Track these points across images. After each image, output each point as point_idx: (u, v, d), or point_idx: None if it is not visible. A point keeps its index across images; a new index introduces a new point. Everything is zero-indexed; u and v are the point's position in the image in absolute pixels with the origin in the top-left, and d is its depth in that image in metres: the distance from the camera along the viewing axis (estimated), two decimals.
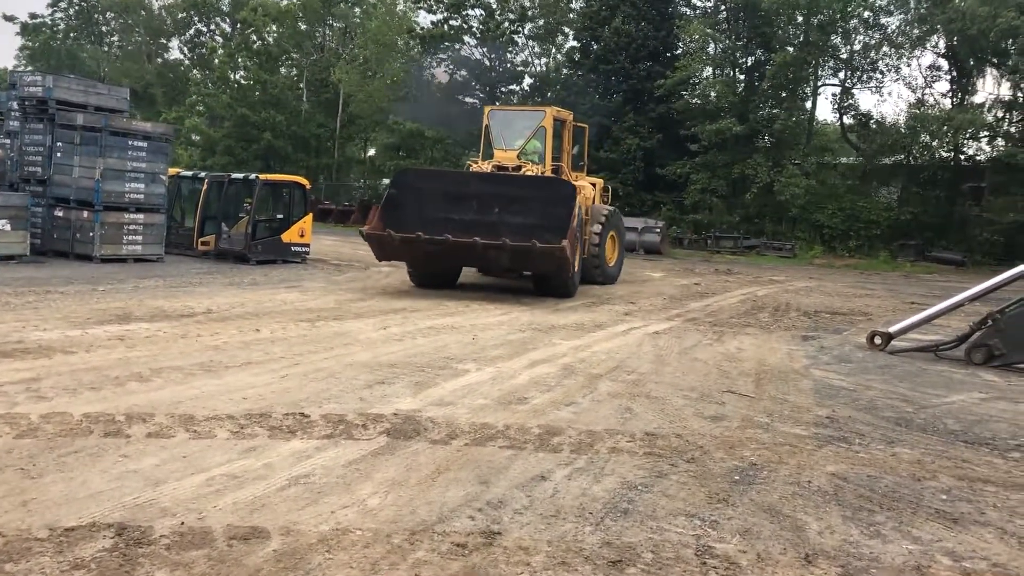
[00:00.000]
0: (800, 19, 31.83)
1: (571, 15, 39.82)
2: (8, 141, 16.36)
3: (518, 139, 15.69)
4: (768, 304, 14.90)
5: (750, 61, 34.00)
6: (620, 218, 18.14)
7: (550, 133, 15.52)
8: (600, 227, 15.97)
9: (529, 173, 14.67)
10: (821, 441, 5.76)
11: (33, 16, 57.47)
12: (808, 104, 34.27)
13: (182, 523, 3.69)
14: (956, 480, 5.08)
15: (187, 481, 4.21)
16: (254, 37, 47.53)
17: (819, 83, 33.89)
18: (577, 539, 3.82)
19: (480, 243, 12.17)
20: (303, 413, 5.57)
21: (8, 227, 13.95)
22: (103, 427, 5.00)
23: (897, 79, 33.69)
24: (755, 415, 6.41)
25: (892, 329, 10.28)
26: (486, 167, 15.32)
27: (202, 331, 8.62)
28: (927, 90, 32.85)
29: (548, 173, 15.08)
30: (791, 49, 31.89)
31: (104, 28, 59.94)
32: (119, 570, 3.22)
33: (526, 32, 41.21)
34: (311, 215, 19.12)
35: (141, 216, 15.72)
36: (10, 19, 57.68)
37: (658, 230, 29.16)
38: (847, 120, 33.78)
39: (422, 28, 41.34)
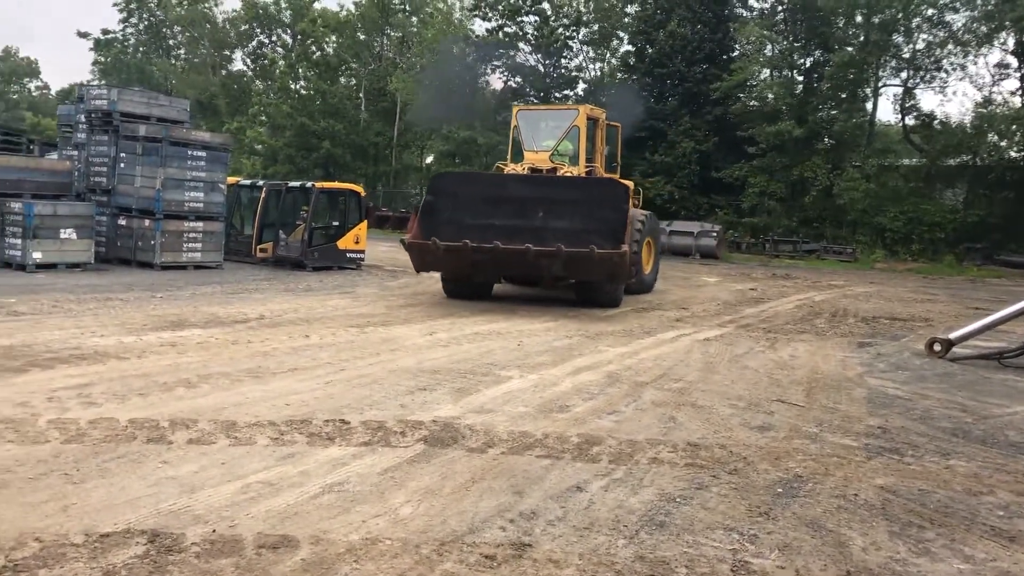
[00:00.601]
0: (860, 18, 31.10)
1: (626, 19, 39.62)
2: (76, 153, 16.89)
3: (549, 139, 15.08)
4: (825, 310, 14.56)
5: (808, 62, 33.37)
6: (657, 222, 17.33)
7: (583, 133, 14.84)
8: (637, 233, 14.61)
9: (567, 174, 14.09)
10: (871, 452, 5.58)
11: (105, 32, 59.59)
12: (869, 105, 33.50)
13: (213, 531, 3.72)
14: (1015, 496, 4.86)
15: (223, 488, 4.25)
16: (314, 48, 48.37)
17: (880, 83, 33.10)
18: (609, 552, 3.75)
19: (532, 250, 11.30)
20: (343, 420, 5.60)
21: (74, 236, 14.38)
22: (147, 433, 5.09)
23: (962, 78, 32.67)
24: (804, 425, 6.25)
25: (953, 335, 9.94)
26: (519, 170, 14.63)
27: (253, 337, 8.75)
28: (994, 89, 31.86)
29: (581, 175, 14.52)
30: (851, 49, 31.19)
31: (171, 42, 61.74)
32: None
33: (580, 37, 41.12)
34: (366, 222, 19.32)
35: (200, 224, 16.06)
36: (84, 36, 60.00)
37: (715, 234, 28.78)
38: (909, 121, 32.92)
39: (478, 36, 41.56)
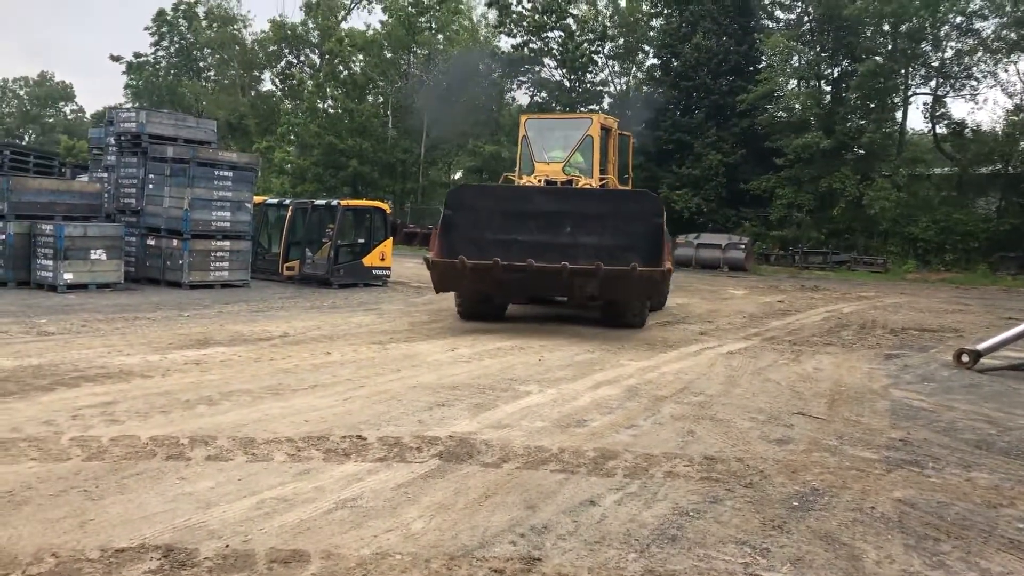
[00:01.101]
0: (887, 27, 30.87)
1: (651, 33, 39.65)
2: (105, 175, 17.21)
3: (559, 150, 14.45)
4: (853, 321, 14.41)
5: (836, 72, 33.16)
6: (671, 238, 16.36)
7: (597, 143, 14.17)
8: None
9: (587, 186, 13.54)
10: (891, 465, 5.51)
11: (137, 55, 60.63)
12: (898, 114, 33.18)
13: (227, 546, 3.76)
14: None
15: (238, 504, 4.30)
16: (341, 67, 48.89)
17: (909, 92, 32.80)
18: (619, 566, 3.74)
19: (568, 269, 10.51)
20: (360, 436, 5.64)
21: (104, 256, 14.62)
22: (166, 450, 5.16)
23: (993, 85, 32.17)
24: (824, 438, 6.19)
25: (981, 346, 9.80)
26: (533, 182, 13.89)
27: (276, 355, 8.84)
28: None
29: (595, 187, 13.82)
30: (878, 58, 30.96)
31: (202, 64, 62.69)
32: None
33: (606, 52, 41.22)
34: (391, 239, 19.45)
35: (227, 243, 16.27)
36: (116, 59, 61.02)
37: (743, 247, 28.61)
38: (940, 129, 32.56)
39: (503, 52, 41.79)
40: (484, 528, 4.11)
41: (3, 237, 14.19)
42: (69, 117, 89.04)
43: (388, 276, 18.71)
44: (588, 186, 13.65)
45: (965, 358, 9.74)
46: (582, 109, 39.83)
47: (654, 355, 9.89)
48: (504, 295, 12.46)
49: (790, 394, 7.82)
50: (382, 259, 18.46)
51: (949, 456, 5.82)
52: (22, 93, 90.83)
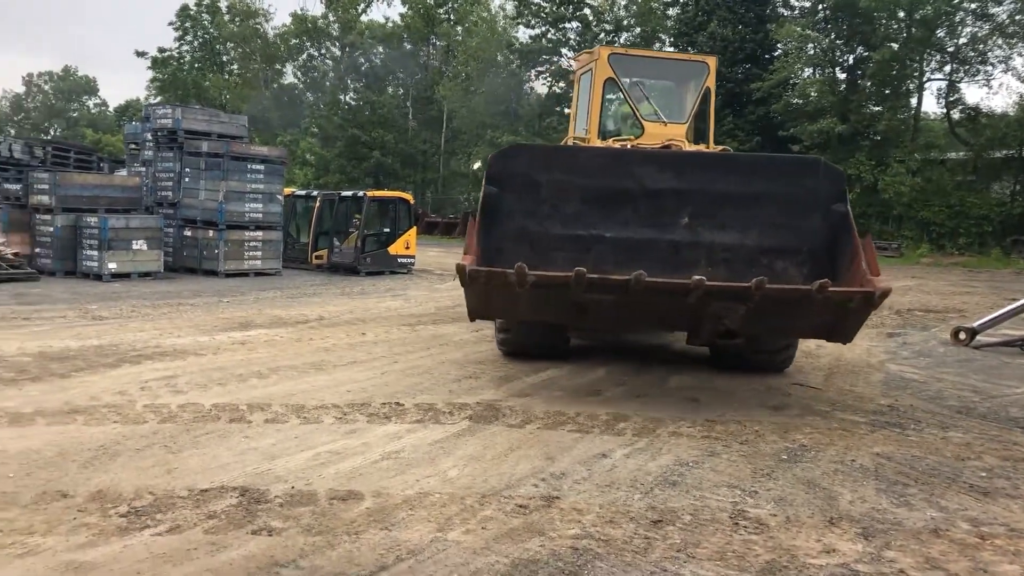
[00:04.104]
0: (902, 14, 31.11)
1: (667, 22, 40.06)
2: (144, 169, 18.00)
3: (665, 105, 10.59)
4: None
5: (851, 59, 33.44)
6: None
7: (713, 100, 10.35)
8: None
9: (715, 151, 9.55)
10: (875, 426, 6.12)
11: (162, 50, 61.57)
12: (913, 100, 33.42)
13: (292, 487, 4.44)
14: (1000, 460, 5.38)
15: (297, 456, 4.99)
16: (362, 59, 49.61)
17: (924, 78, 33.02)
18: (626, 504, 4.39)
19: (703, 286, 5.94)
20: (398, 402, 6.32)
21: (145, 247, 15.40)
22: (229, 414, 5.86)
23: (1008, 70, 32.26)
24: (817, 404, 6.80)
25: (977, 324, 10.34)
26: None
27: (314, 335, 9.54)
28: None
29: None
30: (893, 45, 31.21)
31: (225, 58, 63.56)
32: (243, 520, 3.98)
33: (622, 41, 41.63)
34: (415, 228, 20.14)
35: (260, 233, 17.02)
36: (141, 55, 62.05)
37: None
38: (955, 115, 32.78)
39: (521, 43, 42.33)
40: (510, 474, 4.78)
41: (51, 229, 15.01)
42: (93, 111, 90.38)
43: (412, 264, 19.42)
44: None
45: (962, 335, 10.28)
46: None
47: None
48: (584, 327, 8.31)
49: (791, 368, 8.40)
50: (407, 248, 19.17)
51: (930, 419, 6.43)
52: (47, 88, 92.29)
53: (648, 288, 6.03)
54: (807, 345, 9.88)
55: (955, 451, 5.55)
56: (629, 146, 9.16)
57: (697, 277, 5.94)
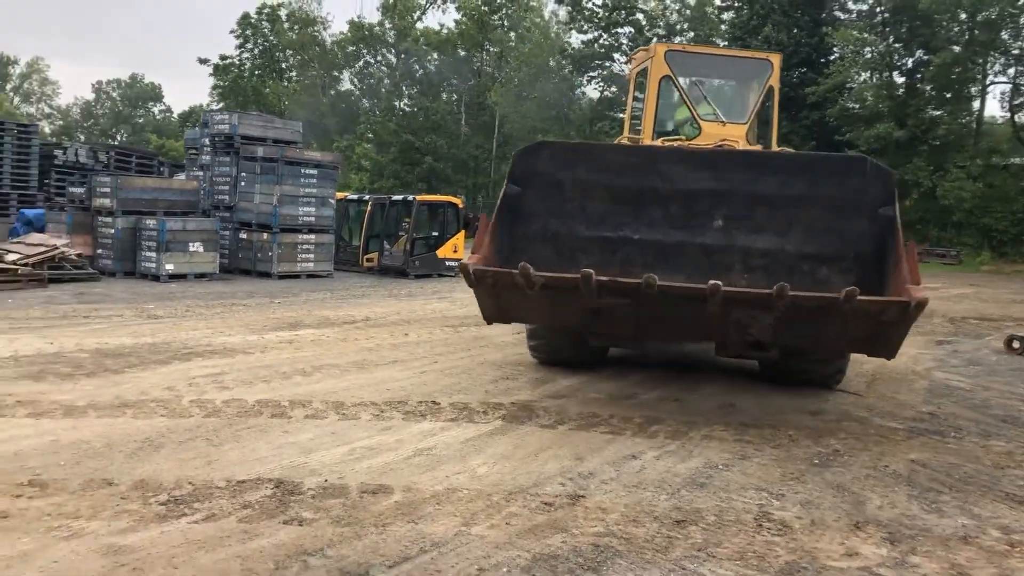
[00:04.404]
0: (964, 16, 30.43)
1: (721, 26, 39.77)
2: (201, 173, 18.50)
3: (725, 104, 10.29)
4: None
5: (909, 63, 32.83)
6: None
7: (777, 98, 9.80)
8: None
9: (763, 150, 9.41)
10: (913, 433, 6.05)
11: (223, 58, 63.04)
12: (975, 104, 32.64)
13: (326, 480, 4.58)
14: None
15: (333, 451, 5.13)
16: (416, 66, 50.20)
17: (987, 82, 32.24)
18: (651, 504, 4.43)
19: (720, 292, 5.46)
20: (434, 401, 6.45)
21: (201, 249, 15.84)
22: (271, 410, 6.04)
23: None
24: (856, 411, 6.74)
25: None
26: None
27: (359, 335, 9.74)
28: None
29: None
30: (955, 48, 30.54)
31: (284, 65, 64.83)
32: (275, 510, 4.13)
33: None
34: (464, 232, 20.34)
35: (313, 236, 17.38)
36: (204, 62, 63.72)
37: None
38: (1019, 119, 31.92)
39: (574, 48, 42.40)
40: (538, 473, 4.85)
41: (112, 231, 15.51)
42: (158, 117, 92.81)
43: None
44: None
45: (1015, 344, 10.05)
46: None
47: None
48: (602, 334, 7.23)
49: None
50: (454, 251, 19.37)
51: (972, 427, 6.33)
52: (115, 95, 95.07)
53: (663, 292, 5.59)
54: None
55: (995, 459, 5.46)
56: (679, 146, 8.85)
57: (713, 282, 5.43)
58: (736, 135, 9.29)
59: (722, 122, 9.53)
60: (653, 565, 3.66)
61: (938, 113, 31.25)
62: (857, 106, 32.51)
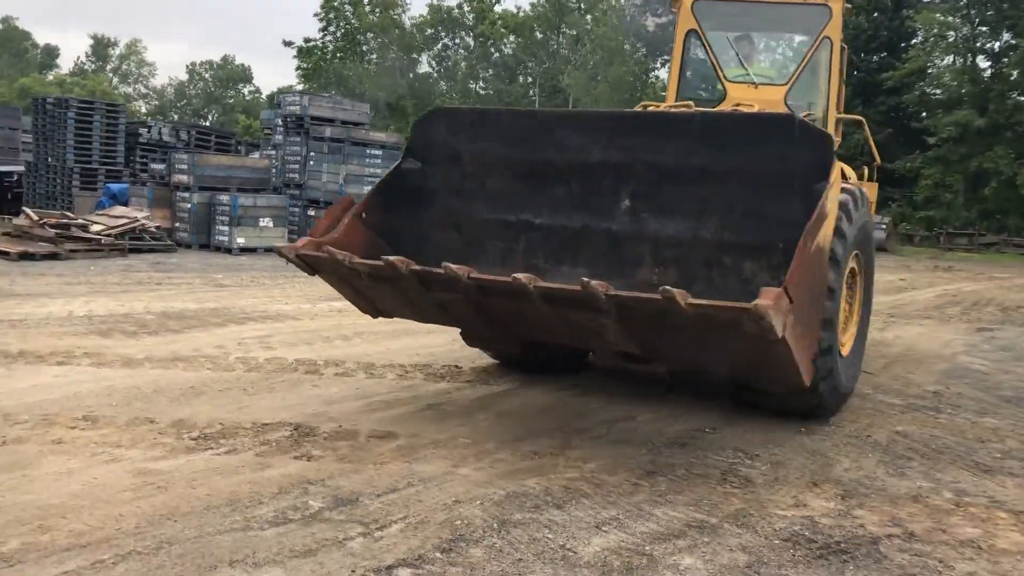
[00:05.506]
0: None
1: None
2: (273, 152, 19.40)
3: (767, 62, 8.64)
4: (968, 299, 14.54)
5: (996, 47, 31.82)
6: (870, 218, 7.21)
7: (836, 51, 7.75)
8: (839, 251, 5.35)
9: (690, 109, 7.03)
10: (909, 409, 6.28)
11: (307, 40, 64.72)
12: None
13: (340, 426, 5.12)
14: (1022, 444, 5.49)
15: (353, 403, 5.68)
16: (493, 49, 50.72)
17: None
18: (629, 457, 4.84)
19: (539, 288, 4.38)
20: (457, 366, 6.95)
21: (271, 224, 16.71)
22: (305, 367, 6.65)
23: None
24: (861, 388, 6.96)
25: None
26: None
27: None
28: None
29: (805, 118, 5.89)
30: None
31: (364, 47, 66.16)
32: (289, 447, 4.69)
33: None
34: None
35: None
36: (288, 44, 65.36)
37: (883, 226, 28.18)
38: None
39: (648, 31, 42.29)
40: (533, 428, 5.30)
41: (189, 206, 16.50)
42: (247, 98, 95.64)
43: None
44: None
45: None
46: None
47: None
48: (492, 338, 6.34)
49: None
50: None
51: (971, 406, 6.51)
52: (207, 76, 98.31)
53: (480, 287, 4.64)
54: (885, 335, 9.90)
55: (979, 434, 5.68)
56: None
57: (526, 276, 4.34)
58: (771, 100, 7.57)
59: (754, 84, 7.81)
60: (614, 506, 4.07)
61: (1023, 99, 30.27)
62: (937, 91, 31.71)
